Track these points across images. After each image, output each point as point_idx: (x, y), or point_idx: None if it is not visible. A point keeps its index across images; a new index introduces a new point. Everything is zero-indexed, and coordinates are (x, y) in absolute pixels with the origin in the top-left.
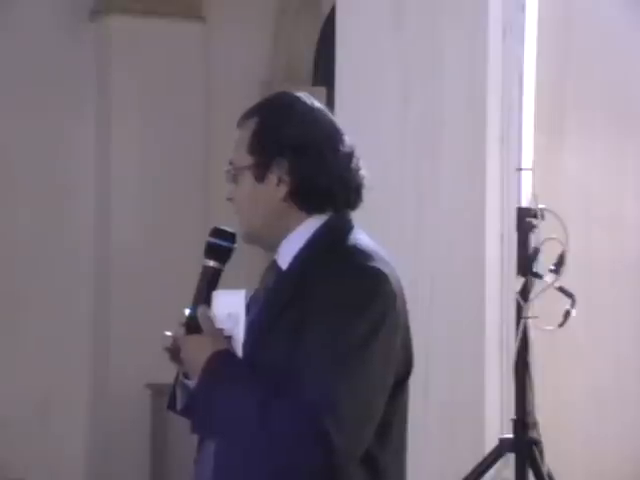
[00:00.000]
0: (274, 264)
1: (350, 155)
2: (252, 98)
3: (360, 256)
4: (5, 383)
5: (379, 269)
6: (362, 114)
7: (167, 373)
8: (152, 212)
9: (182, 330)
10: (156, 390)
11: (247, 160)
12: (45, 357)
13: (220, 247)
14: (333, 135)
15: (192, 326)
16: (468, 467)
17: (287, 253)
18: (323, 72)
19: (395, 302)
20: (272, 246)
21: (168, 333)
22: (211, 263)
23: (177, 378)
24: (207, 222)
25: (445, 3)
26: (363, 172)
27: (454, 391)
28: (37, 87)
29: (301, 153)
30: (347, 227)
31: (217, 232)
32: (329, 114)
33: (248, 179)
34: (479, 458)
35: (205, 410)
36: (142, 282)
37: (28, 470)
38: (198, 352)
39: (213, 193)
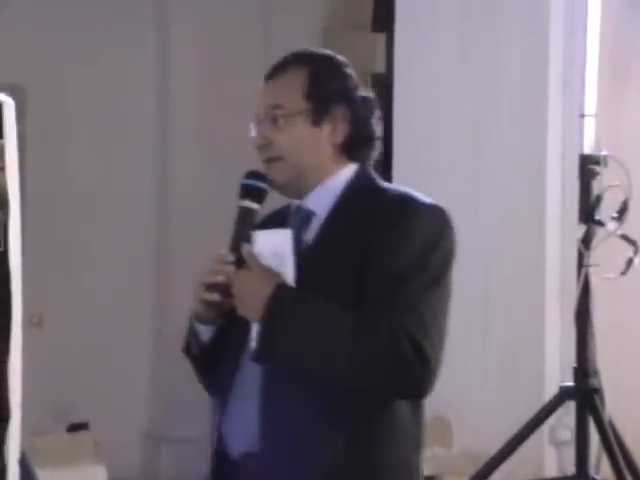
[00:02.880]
0: (303, 211)
1: (376, 106)
2: (313, 44)
3: (415, 196)
4: (68, 327)
5: (439, 205)
6: (421, 59)
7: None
8: (210, 159)
9: (231, 268)
10: None
11: (303, 105)
12: (108, 302)
13: (256, 188)
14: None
15: (238, 264)
16: (528, 415)
17: (321, 198)
18: (382, 18)
19: (454, 243)
20: (305, 192)
21: (213, 270)
22: (246, 203)
23: (191, 322)
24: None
25: None
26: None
27: (514, 339)
28: (95, 25)
29: (361, 101)
30: (374, 176)
31: (252, 174)
32: None
33: (301, 124)
34: (539, 406)
35: (280, 338)
36: (203, 228)
37: (91, 414)
38: (258, 285)
39: None
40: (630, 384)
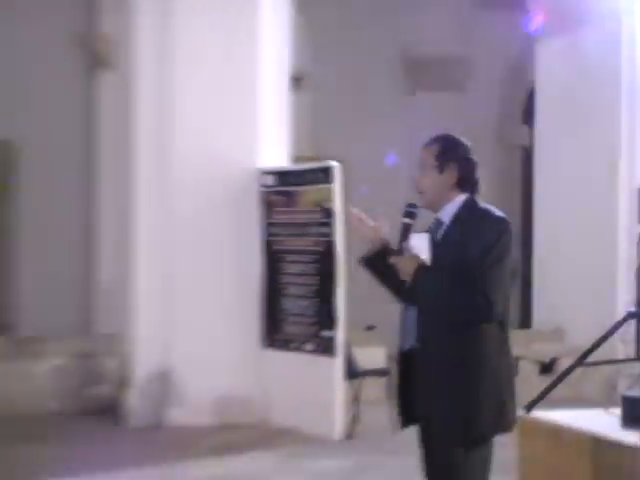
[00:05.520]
0: (438, 220)
1: (476, 164)
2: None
3: (493, 212)
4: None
5: (505, 218)
6: (547, 139)
7: None
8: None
9: (397, 256)
10: None
11: (434, 162)
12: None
13: (411, 212)
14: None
15: (401, 253)
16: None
17: (447, 213)
18: (529, 111)
19: (512, 239)
20: (439, 209)
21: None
22: (407, 220)
23: (368, 253)
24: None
25: None
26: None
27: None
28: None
29: (465, 161)
30: (477, 200)
31: (409, 204)
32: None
33: (433, 173)
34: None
35: (418, 288)
36: None
37: (378, 320)
38: (410, 264)
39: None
40: None
